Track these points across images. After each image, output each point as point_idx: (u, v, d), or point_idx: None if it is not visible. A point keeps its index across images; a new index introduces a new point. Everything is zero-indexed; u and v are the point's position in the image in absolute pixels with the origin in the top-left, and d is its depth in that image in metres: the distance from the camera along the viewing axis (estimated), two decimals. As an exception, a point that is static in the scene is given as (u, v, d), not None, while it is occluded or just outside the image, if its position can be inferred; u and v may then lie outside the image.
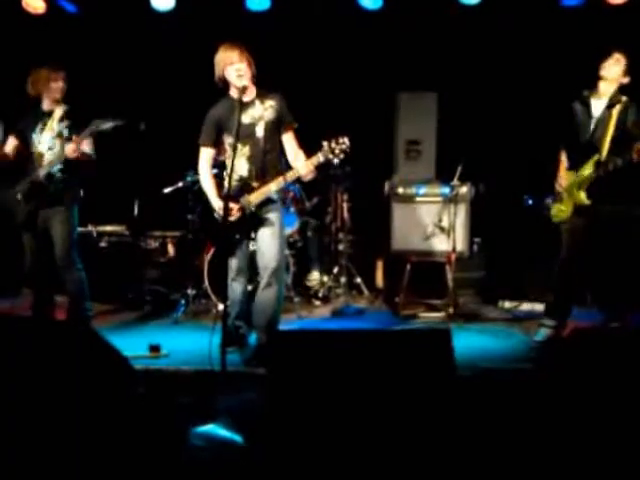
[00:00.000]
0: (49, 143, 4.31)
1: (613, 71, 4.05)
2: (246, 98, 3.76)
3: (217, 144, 3.95)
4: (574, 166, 4.17)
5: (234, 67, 3.71)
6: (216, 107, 3.93)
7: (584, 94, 4.18)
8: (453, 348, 2.31)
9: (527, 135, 5.77)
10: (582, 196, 4.04)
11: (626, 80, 4.06)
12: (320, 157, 3.56)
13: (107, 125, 4.14)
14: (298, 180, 5.70)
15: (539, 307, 4.83)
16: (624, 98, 4.05)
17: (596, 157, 4.01)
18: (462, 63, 6.06)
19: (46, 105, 4.40)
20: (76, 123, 4.31)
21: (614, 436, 2.01)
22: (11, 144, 4.49)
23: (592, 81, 4.15)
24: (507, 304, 5.56)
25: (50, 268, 4.34)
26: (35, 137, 4.36)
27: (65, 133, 4.33)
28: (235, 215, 3.72)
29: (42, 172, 4.26)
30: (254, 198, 3.72)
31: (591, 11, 5.60)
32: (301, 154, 3.78)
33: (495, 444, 2.15)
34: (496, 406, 2.44)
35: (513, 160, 5.86)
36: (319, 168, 3.71)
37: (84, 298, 4.40)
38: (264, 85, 3.91)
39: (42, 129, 4.36)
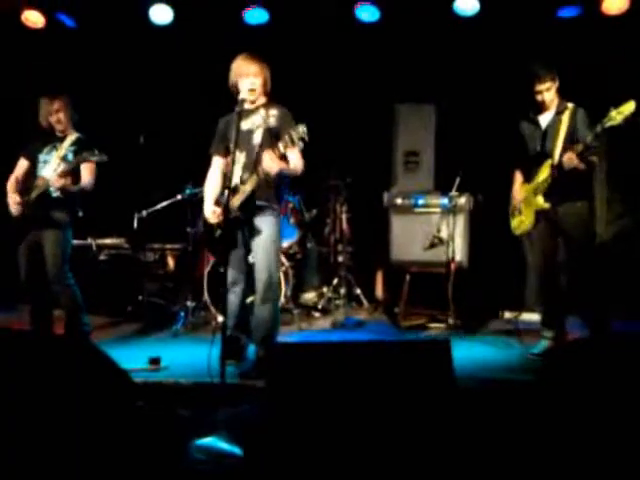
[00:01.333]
0: (54, 165, 4.36)
1: (550, 97, 4.13)
2: (250, 106, 3.79)
3: (226, 155, 3.96)
4: (529, 177, 4.24)
5: (249, 80, 3.76)
6: (224, 118, 3.98)
7: (530, 114, 4.26)
8: (453, 359, 2.30)
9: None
10: (540, 200, 4.09)
11: (558, 83, 4.13)
12: (280, 147, 3.57)
13: (94, 158, 4.26)
14: (297, 191, 5.76)
15: (538, 317, 4.82)
16: (570, 105, 4.12)
17: (549, 162, 4.05)
18: (460, 75, 6.09)
19: (58, 132, 4.49)
20: (83, 148, 4.37)
21: (616, 447, 2.00)
22: (21, 167, 4.54)
23: (588, 89, 4.21)
24: (507, 314, 5.56)
25: (46, 282, 4.34)
26: (41, 157, 4.43)
27: (70, 157, 4.39)
28: (218, 218, 3.73)
29: (33, 194, 4.32)
30: (236, 201, 3.71)
31: (588, 22, 5.64)
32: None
33: (496, 455, 2.14)
34: (497, 418, 2.44)
35: (510, 170, 5.88)
36: (283, 157, 3.68)
37: (80, 312, 4.41)
38: (271, 98, 3.93)
39: (50, 151, 4.43)
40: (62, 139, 4.47)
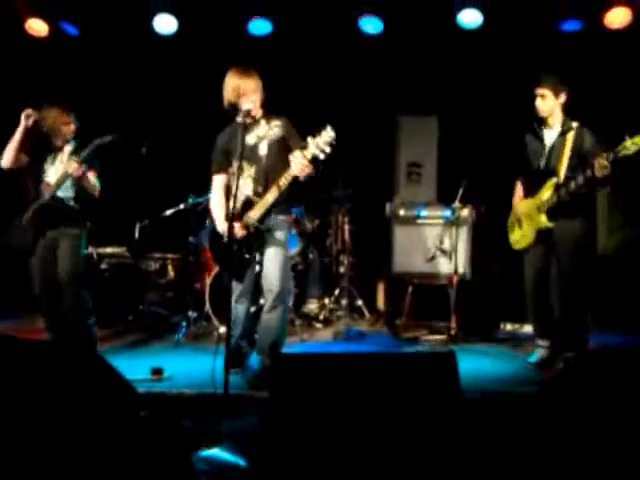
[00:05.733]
0: (59, 174, 4.34)
1: (544, 108, 4.10)
2: (251, 120, 3.78)
3: (228, 170, 3.94)
4: (530, 193, 4.22)
5: (249, 99, 3.73)
6: (222, 134, 3.96)
7: (535, 125, 4.24)
8: (459, 371, 2.29)
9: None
10: (543, 219, 4.07)
11: (563, 99, 4.10)
12: (307, 153, 3.50)
13: (106, 140, 4.23)
14: (299, 202, 5.76)
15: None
16: (575, 124, 4.09)
17: (554, 180, 4.04)
18: (462, 87, 6.12)
19: (57, 142, 4.47)
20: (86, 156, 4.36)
21: (621, 459, 2.00)
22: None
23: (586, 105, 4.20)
24: (509, 326, 5.56)
25: (58, 292, 4.33)
26: (47, 167, 4.43)
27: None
28: (240, 233, 3.70)
29: (47, 194, 4.30)
30: (254, 214, 3.70)
31: (590, 36, 5.66)
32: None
33: (502, 469, 2.13)
34: (502, 430, 2.43)
35: (512, 182, 5.89)
36: (313, 162, 3.58)
37: (89, 320, 4.41)
38: (267, 108, 3.92)
39: (53, 160, 4.44)
40: (61, 148, 4.46)
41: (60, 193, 4.33)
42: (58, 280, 4.30)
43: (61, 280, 4.29)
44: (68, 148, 4.45)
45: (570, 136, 4.06)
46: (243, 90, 3.74)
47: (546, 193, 4.07)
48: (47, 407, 2.10)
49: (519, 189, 4.38)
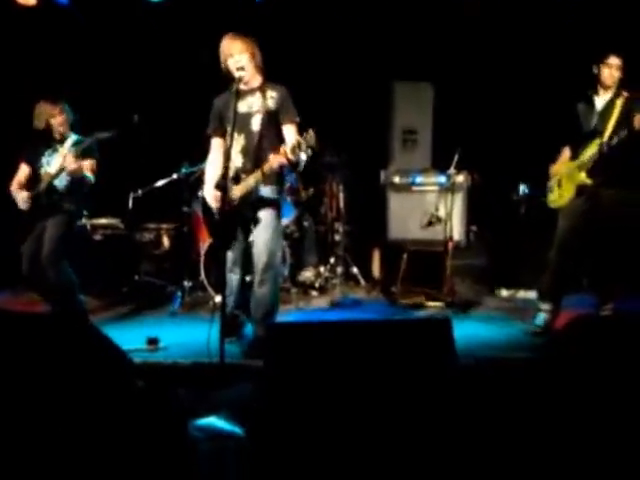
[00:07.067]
0: (58, 165, 4.38)
1: (615, 78, 4.12)
2: (246, 87, 3.73)
3: (224, 135, 3.90)
4: (576, 155, 4.23)
5: (234, 59, 3.67)
6: (219, 97, 3.92)
7: (588, 93, 4.25)
8: (454, 337, 2.29)
9: (523, 124, 5.76)
10: (583, 176, 4.10)
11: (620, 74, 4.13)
12: (288, 151, 3.47)
13: (106, 135, 4.34)
14: (294, 170, 5.72)
15: (535, 294, 4.83)
16: (625, 93, 4.11)
17: (597, 140, 4.06)
18: (458, 53, 6.04)
19: (56, 135, 4.51)
20: (83, 148, 4.39)
21: (617, 426, 2.00)
22: (23, 172, 4.56)
23: (588, 74, 4.17)
24: (504, 292, 5.57)
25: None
26: (44, 160, 4.48)
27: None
28: (218, 203, 3.67)
29: (43, 185, 4.39)
30: (237, 191, 3.67)
31: (590, 2, 5.56)
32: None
33: (498, 434, 2.14)
34: (498, 395, 2.44)
35: (509, 148, 5.86)
36: (293, 160, 3.56)
37: (75, 293, 4.42)
38: (267, 76, 3.86)
39: (52, 153, 4.48)
40: (62, 141, 4.51)
41: (56, 182, 4.40)
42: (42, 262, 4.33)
43: (43, 254, 4.31)
44: (69, 141, 4.49)
45: (619, 101, 4.09)
46: (226, 51, 3.70)
47: (589, 152, 4.09)
48: (41, 380, 2.09)
49: (566, 154, 4.37)
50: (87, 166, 4.40)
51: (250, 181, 3.65)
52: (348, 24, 6.05)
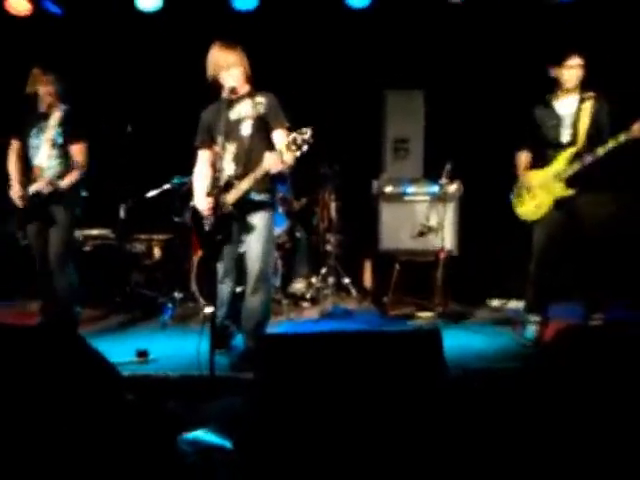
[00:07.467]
0: (47, 152, 4.36)
1: (576, 78, 4.08)
2: (234, 95, 3.72)
3: (212, 146, 3.88)
4: (543, 163, 4.19)
5: (230, 72, 3.67)
6: (207, 110, 3.90)
7: (546, 98, 4.22)
8: (443, 348, 2.28)
9: (513, 132, 5.78)
10: (560, 187, 4.07)
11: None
12: (283, 148, 3.43)
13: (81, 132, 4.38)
14: (285, 179, 5.71)
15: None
16: (591, 93, 4.09)
17: (572, 149, 4.04)
18: (449, 61, 6.07)
19: (42, 107, 4.44)
20: (71, 127, 4.39)
21: (609, 436, 2.00)
22: (15, 149, 4.51)
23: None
24: (495, 302, 5.57)
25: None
26: (31, 142, 4.42)
27: (59, 141, 4.38)
28: (209, 213, 3.65)
29: (32, 188, 4.33)
30: (230, 197, 3.64)
31: (580, 6, 5.59)
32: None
33: (488, 444, 2.14)
34: (489, 406, 2.43)
35: (500, 157, 5.86)
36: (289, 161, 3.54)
37: (73, 301, 4.44)
38: (254, 84, 3.86)
39: (38, 134, 4.40)
40: (47, 117, 4.41)
41: (48, 171, 4.36)
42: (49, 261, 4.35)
43: (50, 258, 4.34)
44: (55, 117, 4.39)
45: (588, 105, 4.06)
46: (223, 63, 3.68)
47: (562, 161, 4.06)
48: (30, 392, 2.08)
49: (523, 161, 4.32)
50: (76, 150, 4.38)
51: (243, 185, 3.60)
52: (339, 33, 6.07)
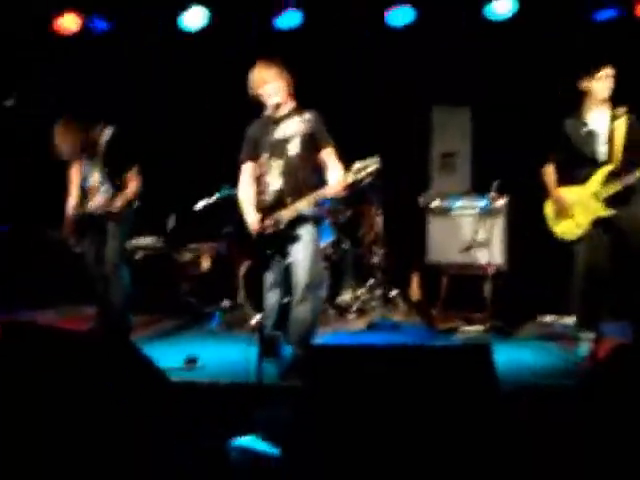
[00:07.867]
0: (100, 175, 4.59)
1: (609, 89, 4.01)
2: (279, 113, 3.77)
3: (257, 160, 3.92)
4: (577, 180, 4.10)
5: (269, 86, 3.71)
6: (252, 126, 3.94)
7: (577, 111, 4.15)
8: (494, 363, 2.26)
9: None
10: (599, 207, 3.99)
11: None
12: (348, 178, 3.48)
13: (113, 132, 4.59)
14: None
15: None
16: (623, 109, 4.01)
17: (608, 168, 3.97)
18: (495, 77, 6.04)
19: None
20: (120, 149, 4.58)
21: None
22: (76, 174, 4.76)
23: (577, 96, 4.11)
24: (547, 318, 5.47)
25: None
26: (86, 168, 4.66)
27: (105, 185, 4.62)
28: (268, 230, 3.70)
29: (87, 209, 4.61)
30: (286, 215, 3.68)
31: (623, 25, 5.52)
32: (336, 173, 3.69)
33: (542, 462, 2.10)
34: (541, 423, 2.39)
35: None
36: (351, 187, 3.62)
37: (126, 308, 4.56)
38: (298, 102, 3.89)
39: (91, 168, 4.65)
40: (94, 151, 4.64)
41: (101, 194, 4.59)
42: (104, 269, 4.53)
43: (106, 264, 4.51)
44: (104, 139, 4.58)
45: (622, 122, 3.98)
46: (259, 79, 3.73)
47: (599, 180, 3.98)
48: (82, 397, 2.12)
49: (552, 177, 4.24)
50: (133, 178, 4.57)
51: (300, 206, 3.65)
52: (386, 51, 6.09)
